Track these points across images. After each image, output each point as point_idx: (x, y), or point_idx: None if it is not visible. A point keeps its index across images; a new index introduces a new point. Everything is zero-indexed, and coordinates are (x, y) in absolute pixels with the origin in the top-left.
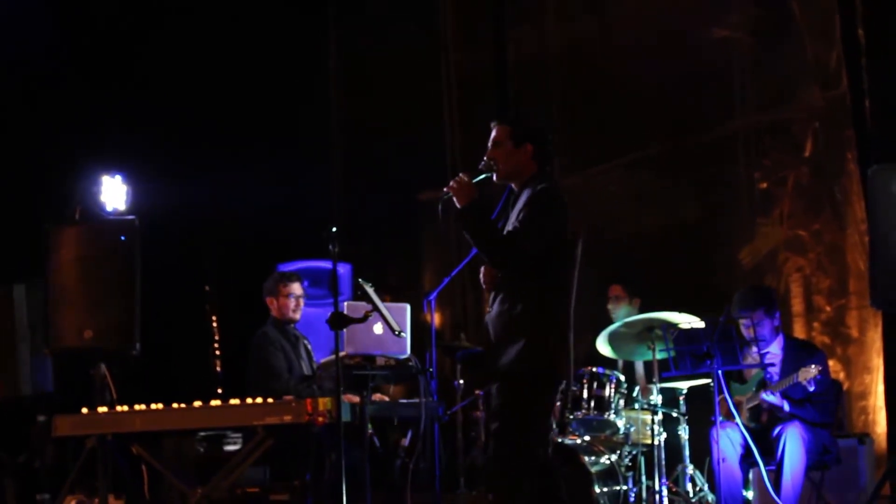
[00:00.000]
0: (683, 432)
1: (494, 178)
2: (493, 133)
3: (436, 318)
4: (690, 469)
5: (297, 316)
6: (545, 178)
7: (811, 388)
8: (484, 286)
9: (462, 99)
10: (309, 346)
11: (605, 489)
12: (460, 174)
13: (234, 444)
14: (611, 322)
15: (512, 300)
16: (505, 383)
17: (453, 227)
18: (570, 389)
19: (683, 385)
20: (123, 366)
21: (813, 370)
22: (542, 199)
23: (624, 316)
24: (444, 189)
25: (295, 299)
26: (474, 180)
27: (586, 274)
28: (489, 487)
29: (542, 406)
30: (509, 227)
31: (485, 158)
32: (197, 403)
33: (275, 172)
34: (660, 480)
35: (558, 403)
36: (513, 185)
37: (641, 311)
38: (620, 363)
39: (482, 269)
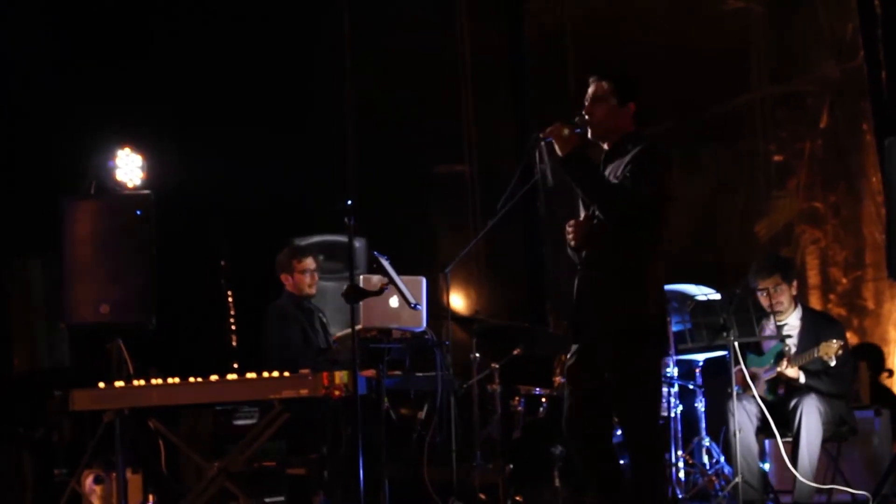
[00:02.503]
0: (700, 404)
1: (589, 134)
2: (592, 88)
3: (451, 293)
4: (707, 441)
5: (313, 291)
6: (643, 138)
7: (832, 364)
8: (572, 243)
9: (477, 71)
10: (324, 319)
11: (622, 461)
12: (557, 123)
13: (246, 418)
14: None
15: (611, 256)
16: (615, 343)
17: (471, 198)
18: None
19: (700, 357)
20: (140, 340)
21: (835, 345)
22: (653, 154)
23: None
24: (540, 134)
25: (310, 274)
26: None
27: None
28: (631, 455)
29: (657, 365)
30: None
31: (581, 113)
32: (213, 377)
33: (290, 146)
34: (676, 453)
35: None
36: (604, 145)
37: None
38: None
39: (571, 224)
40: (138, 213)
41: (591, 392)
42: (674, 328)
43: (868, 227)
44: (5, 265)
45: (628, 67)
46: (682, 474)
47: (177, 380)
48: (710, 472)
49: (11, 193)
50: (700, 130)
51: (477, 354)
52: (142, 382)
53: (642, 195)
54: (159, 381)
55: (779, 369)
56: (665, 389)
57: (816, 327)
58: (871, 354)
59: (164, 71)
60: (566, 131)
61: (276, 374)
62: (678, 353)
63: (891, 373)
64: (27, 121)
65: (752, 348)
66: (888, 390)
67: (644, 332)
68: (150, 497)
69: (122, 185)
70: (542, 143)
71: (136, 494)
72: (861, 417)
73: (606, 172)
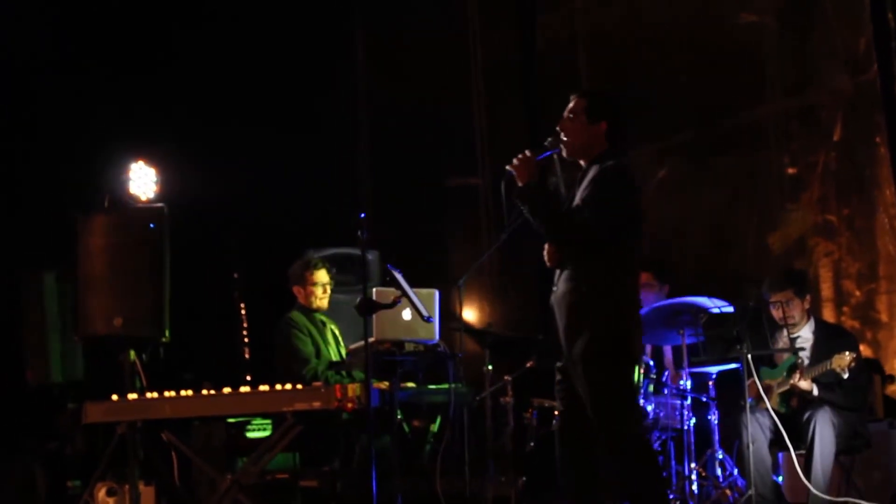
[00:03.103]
0: (713, 417)
1: (564, 153)
2: (571, 104)
3: (465, 305)
4: (720, 454)
5: (325, 304)
6: (615, 157)
7: (845, 376)
8: (548, 264)
9: (490, 84)
10: (337, 332)
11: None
12: (525, 151)
13: (258, 430)
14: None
15: (577, 279)
16: (586, 367)
17: (484, 212)
18: None
19: (713, 370)
20: (153, 353)
21: (847, 357)
22: (609, 177)
23: (653, 303)
24: (507, 168)
25: (322, 287)
26: (540, 157)
27: None
28: (607, 477)
29: (628, 384)
30: (576, 203)
31: (556, 129)
32: (226, 390)
33: (302, 159)
34: (690, 465)
35: None
36: (581, 162)
37: (670, 297)
38: (648, 348)
39: (546, 246)
40: (152, 226)
41: (573, 406)
42: (687, 341)
43: (882, 239)
44: (19, 279)
45: (638, 81)
46: (695, 487)
47: (190, 392)
48: (723, 485)
49: (26, 207)
50: (714, 143)
51: (490, 367)
52: (155, 395)
53: (584, 223)
54: (172, 393)
55: (792, 382)
56: (678, 402)
57: (829, 340)
58: (873, 367)
59: (178, 84)
60: (529, 156)
61: (288, 386)
62: (691, 365)
63: (892, 379)
64: (41, 135)
65: (766, 361)
66: None
67: (608, 351)
68: None
69: (135, 199)
70: (508, 177)
71: None
72: (875, 430)
73: (579, 191)
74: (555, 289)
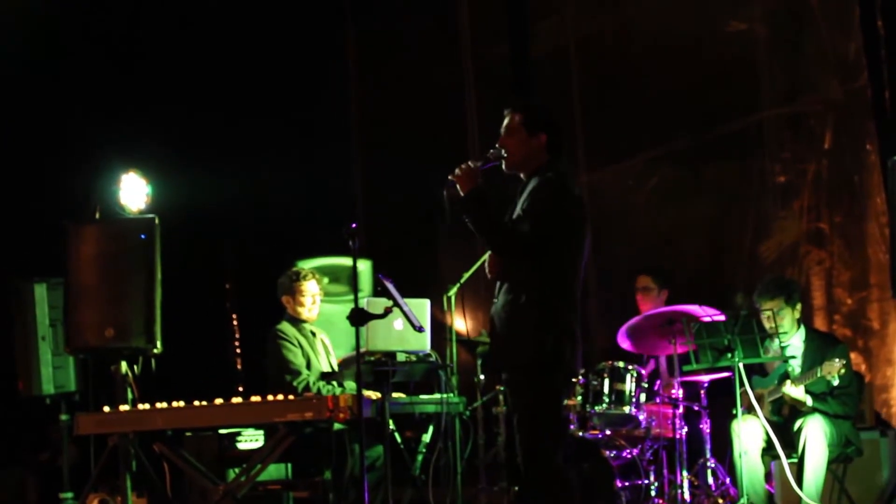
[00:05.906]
0: (705, 426)
1: (504, 166)
2: (506, 120)
3: (456, 314)
4: (712, 462)
5: (314, 315)
6: (554, 169)
7: (835, 383)
8: (489, 275)
9: (483, 93)
10: (327, 342)
11: (627, 483)
12: (468, 162)
13: (250, 441)
14: (638, 313)
15: (515, 290)
16: (513, 376)
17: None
18: (591, 383)
19: (705, 378)
20: (145, 364)
21: (837, 364)
22: (548, 188)
23: (651, 308)
24: (449, 177)
25: (311, 298)
26: (483, 167)
27: (612, 268)
28: (522, 481)
29: (553, 400)
30: (517, 214)
31: (496, 146)
32: (218, 401)
33: (294, 169)
34: (682, 474)
35: (579, 398)
36: (521, 175)
37: (668, 304)
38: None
39: (487, 257)
40: (142, 236)
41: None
42: (678, 349)
43: (872, 247)
44: (11, 289)
45: (630, 90)
46: (687, 496)
47: (182, 403)
48: (715, 494)
49: (17, 218)
50: (705, 151)
51: (482, 376)
52: (146, 406)
53: (524, 234)
54: (164, 404)
55: (783, 389)
56: (670, 411)
57: (820, 348)
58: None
59: (170, 96)
60: (471, 166)
61: (280, 397)
62: (683, 374)
63: None
64: (32, 145)
65: (757, 369)
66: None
67: (536, 366)
68: None
69: (126, 210)
70: (451, 187)
71: None
72: (866, 438)
73: (519, 203)
74: (495, 300)
